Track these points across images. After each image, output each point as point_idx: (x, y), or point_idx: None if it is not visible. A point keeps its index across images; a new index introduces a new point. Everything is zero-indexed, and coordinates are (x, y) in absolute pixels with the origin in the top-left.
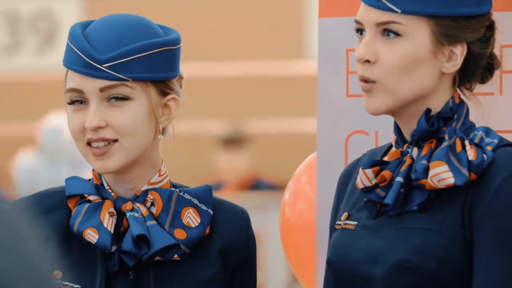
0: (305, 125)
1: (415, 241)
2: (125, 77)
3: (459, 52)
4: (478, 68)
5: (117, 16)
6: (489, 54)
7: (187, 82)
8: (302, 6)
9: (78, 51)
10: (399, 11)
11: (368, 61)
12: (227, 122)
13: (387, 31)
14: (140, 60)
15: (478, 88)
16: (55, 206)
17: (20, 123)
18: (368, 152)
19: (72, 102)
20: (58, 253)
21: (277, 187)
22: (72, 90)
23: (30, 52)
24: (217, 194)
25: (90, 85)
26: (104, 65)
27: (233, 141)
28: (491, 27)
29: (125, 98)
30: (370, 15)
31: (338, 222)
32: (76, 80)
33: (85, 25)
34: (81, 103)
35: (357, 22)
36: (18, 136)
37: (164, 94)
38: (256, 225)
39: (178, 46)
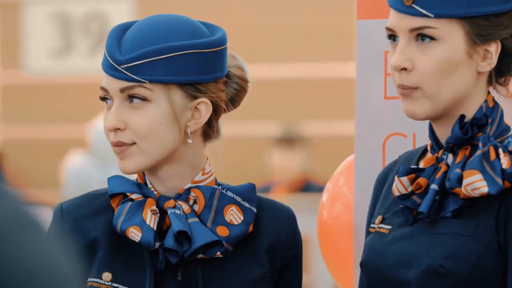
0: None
1: (448, 247)
2: (141, 79)
3: (494, 50)
4: None
5: (158, 17)
6: None
7: None
8: (351, 9)
9: (105, 51)
10: (432, 15)
11: (405, 68)
12: (281, 124)
13: (421, 36)
14: (161, 62)
15: (508, 90)
16: (102, 207)
17: (70, 125)
18: (405, 153)
19: (103, 99)
20: (107, 255)
21: None
22: (101, 88)
23: (82, 54)
24: (267, 196)
25: (113, 85)
26: (122, 66)
27: (287, 142)
28: None
29: (143, 100)
30: (402, 22)
31: (372, 225)
32: (105, 79)
33: (131, 24)
34: (109, 101)
35: (388, 29)
36: (68, 138)
37: (193, 97)
38: (305, 227)
39: (215, 49)
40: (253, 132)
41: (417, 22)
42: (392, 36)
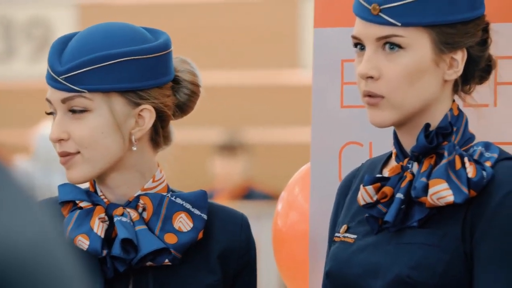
0: (299, 134)
1: (415, 257)
2: (80, 89)
3: (460, 58)
4: (477, 71)
5: (98, 26)
6: (487, 56)
7: None
8: (296, 16)
9: (48, 63)
10: (399, 24)
11: (371, 77)
12: (222, 130)
13: (388, 44)
14: (99, 71)
15: (473, 99)
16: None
17: (13, 130)
18: (367, 161)
19: (50, 113)
20: None
21: (271, 197)
22: (46, 99)
23: (24, 59)
24: None
25: (55, 96)
26: (61, 77)
27: (229, 149)
28: (486, 29)
29: (84, 110)
30: (369, 31)
31: (337, 234)
32: (48, 91)
33: (74, 35)
34: (55, 114)
35: (355, 37)
36: (11, 143)
37: (135, 104)
38: None
39: (156, 55)
40: (194, 138)
41: (385, 30)
42: (358, 45)
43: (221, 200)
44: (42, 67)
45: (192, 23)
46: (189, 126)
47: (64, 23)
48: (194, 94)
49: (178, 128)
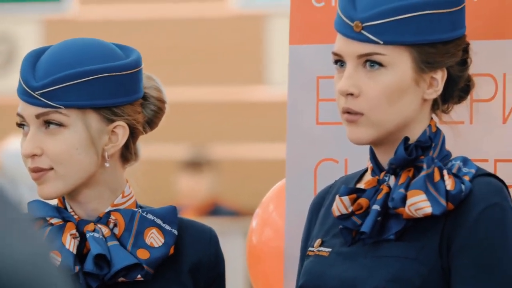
0: (266, 151)
1: (392, 270)
2: (56, 105)
3: (440, 77)
4: (457, 90)
5: (71, 41)
6: (466, 76)
7: None
8: (263, 32)
9: (20, 77)
10: (381, 42)
11: (351, 94)
12: (188, 146)
13: (369, 62)
14: (76, 87)
15: (449, 116)
16: None
17: None
18: (342, 178)
19: (20, 126)
20: None
21: (237, 213)
22: (17, 114)
23: None
24: None
25: (29, 111)
26: (36, 92)
27: (194, 166)
28: (466, 49)
29: (59, 125)
30: (350, 48)
31: (311, 248)
32: (20, 105)
33: (45, 49)
34: (26, 128)
35: (335, 54)
36: None
37: (109, 121)
38: None
39: (130, 71)
40: (160, 154)
41: (366, 48)
42: (339, 62)
43: (187, 216)
44: (7, 83)
45: (159, 39)
46: (155, 142)
47: (30, 39)
48: (160, 111)
49: (143, 144)
